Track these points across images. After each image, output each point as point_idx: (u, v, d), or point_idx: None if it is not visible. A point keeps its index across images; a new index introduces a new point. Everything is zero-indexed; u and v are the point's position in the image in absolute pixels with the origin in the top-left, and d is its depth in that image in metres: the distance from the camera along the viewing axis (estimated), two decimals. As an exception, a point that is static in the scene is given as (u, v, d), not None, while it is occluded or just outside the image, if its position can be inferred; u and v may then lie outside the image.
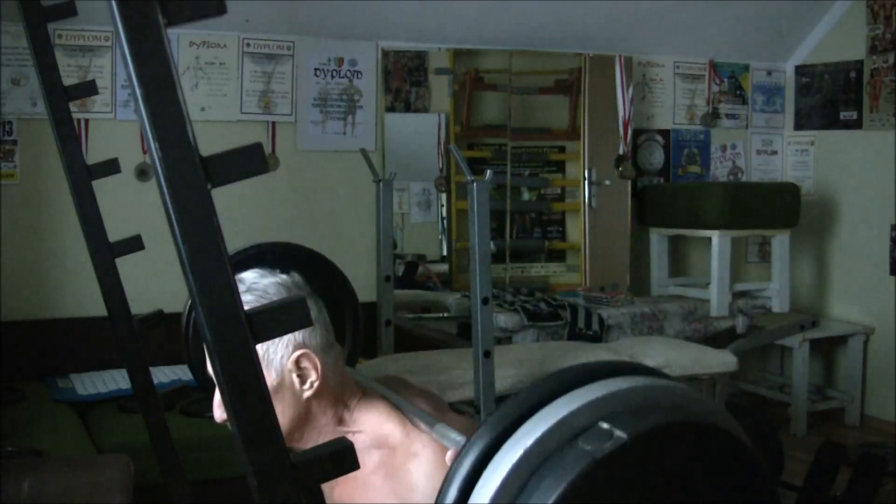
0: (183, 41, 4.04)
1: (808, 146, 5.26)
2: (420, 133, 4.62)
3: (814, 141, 5.23)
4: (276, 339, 1.41)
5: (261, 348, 1.40)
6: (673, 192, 4.89)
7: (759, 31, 5.03)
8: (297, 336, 1.42)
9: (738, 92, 5.25)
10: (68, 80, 1.67)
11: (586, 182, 4.79)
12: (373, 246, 3.87)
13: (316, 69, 4.36)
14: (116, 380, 3.61)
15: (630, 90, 4.79)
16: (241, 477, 0.86)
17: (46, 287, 3.92)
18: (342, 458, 0.88)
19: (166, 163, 0.77)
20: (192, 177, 0.78)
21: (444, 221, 4.67)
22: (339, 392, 1.48)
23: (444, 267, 4.67)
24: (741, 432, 0.97)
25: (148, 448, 1.85)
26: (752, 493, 0.97)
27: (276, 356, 1.41)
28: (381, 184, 3.81)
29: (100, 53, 3.95)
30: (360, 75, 4.45)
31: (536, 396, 0.95)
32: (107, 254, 1.71)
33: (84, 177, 1.68)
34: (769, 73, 5.30)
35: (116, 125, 3.99)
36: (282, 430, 1.40)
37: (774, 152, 5.36)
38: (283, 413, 1.42)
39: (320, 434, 1.47)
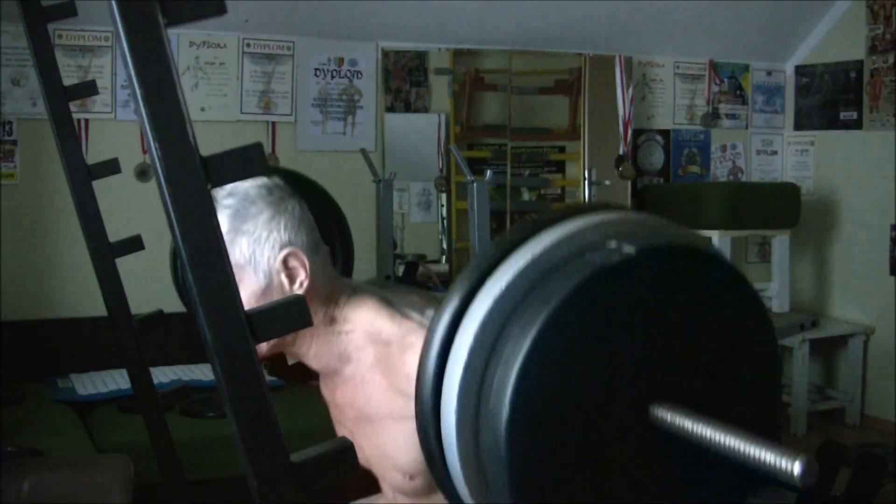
0: (183, 41, 4.04)
1: (808, 146, 5.26)
2: (420, 133, 4.62)
3: (814, 141, 5.23)
4: (262, 241, 1.39)
5: (247, 251, 1.38)
6: (673, 192, 4.90)
7: (759, 31, 5.03)
8: (283, 236, 1.39)
9: (738, 92, 5.25)
10: (68, 80, 1.67)
11: (586, 182, 4.79)
12: (373, 246, 3.87)
13: (316, 69, 4.37)
14: (116, 380, 3.61)
15: (630, 90, 4.79)
16: (241, 477, 0.86)
17: (46, 287, 3.92)
18: (342, 458, 0.88)
19: (166, 163, 0.77)
20: (192, 177, 0.78)
21: (444, 221, 4.67)
22: (329, 292, 1.45)
23: (444, 267, 4.67)
24: (741, 270, 0.98)
25: (148, 448, 1.85)
26: (751, 326, 0.97)
27: (263, 258, 1.38)
28: (381, 184, 3.82)
29: (100, 53, 3.95)
30: (360, 75, 4.45)
31: (538, 221, 0.94)
32: (107, 254, 1.71)
33: (84, 177, 1.68)
34: (769, 73, 5.31)
35: (116, 125, 3.99)
36: None
37: (774, 152, 5.36)
38: None
39: (313, 336, 1.45)
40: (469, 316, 0.91)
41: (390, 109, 4.52)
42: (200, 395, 3.39)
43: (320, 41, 4.36)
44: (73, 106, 1.70)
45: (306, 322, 0.84)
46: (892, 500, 3.58)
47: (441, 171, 4.59)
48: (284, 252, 1.39)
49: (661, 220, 0.99)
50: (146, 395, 1.79)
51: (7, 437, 2.99)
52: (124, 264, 1.73)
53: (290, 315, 0.84)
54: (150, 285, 3.43)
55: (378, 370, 1.42)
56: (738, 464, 0.87)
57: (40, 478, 2.26)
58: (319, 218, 1.50)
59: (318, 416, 3.48)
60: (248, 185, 1.42)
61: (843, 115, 5.03)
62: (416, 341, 1.37)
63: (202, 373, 3.75)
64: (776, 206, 4.73)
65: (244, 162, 0.82)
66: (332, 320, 1.45)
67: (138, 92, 0.76)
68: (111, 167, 1.73)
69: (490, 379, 0.87)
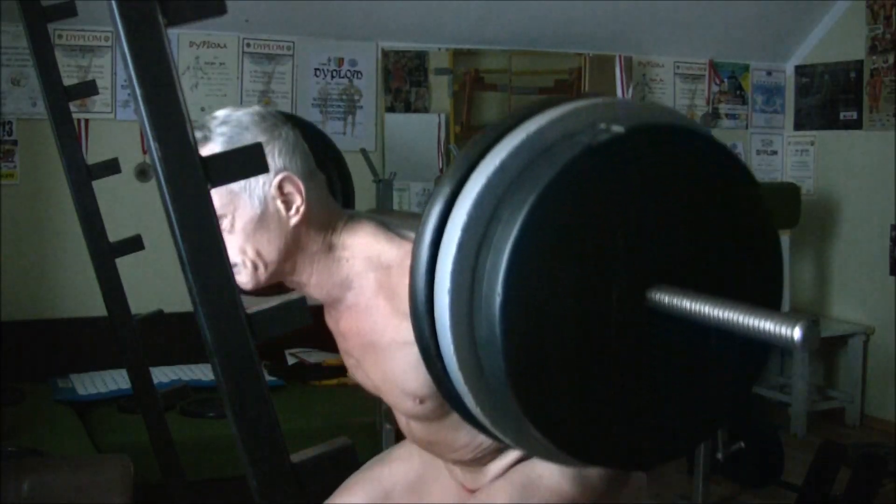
0: (183, 41, 4.04)
1: (808, 146, 5.26)
2: (420, 133, 4.62)
3: (814, 141, 5.23)
4: None
5: (241, 181, 1.35)
6: (673, 192, 4.89)
7: (759, 31, 5.03)
8: (278, 162, 1.38)
9: (738, 92, 5.25)
10: (68, 80, 1.67)
11: (586, 182, 4.79)
12: (373, 246, 3.87)
13: (316, 69, 4.37)
14: (116, 380, 3.61)
15: (630, 90, 4.79)
16: (241, 477, 0.86)
17: (46, 287, 3.92)
18: (342, 458, 0.88)
19: (166, 163, 0.77)
20: (192, 177, 0.78)
21: (444, 221, 4.67)
22: (326, 218, 1.43)
23: (444, 267, 4.67)
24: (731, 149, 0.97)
25: (148, 448, 1.85)
26: (745, 204, 0.96)
27: (258, 183, 1.37)
28: (381, 184, 3.82)
29: (100, 53, 3.95)
30: (360, 75, 4.45)
31: (531, 107, 0.93)
32: (107, 254, 1.71)
33: (84, 177, 1.68)
34: (769, 73, 5.31)
35: (116, 125, 3.99)
36: (272, 261, 1.39)
37: (774, 152, 5.36)
38: (271, 243, 1.38)
39: (313, 262, 1.42)
40: (462, 199, 0.90)
41: (390, 109, 4.52)
42: (200, 395, 3.39)
43: (320, 41, 4.36)
44: (73, 106, 1.70)
45: (306, 321, 0.84)
46: (892, 500, 3.58)
47: (441, 171, 4.59)
48: (280, 177, 1.37)
49: (656, 105, 0.98)
50: (146, 395, 1.79)
51: (7, 437, 2.99)
52: (124, 264, 1.73)
53: (290, 315, 0.84)
54: (150, 285, 3.43)
55: (381, 295, 1.40)
56: (737, 345, 0.86)
57: (40, 478, 2.26)
58: (316, 155, 1.49)
59: (318, 416, 3.49)
60: (240, 113, 1.41)
61: (843, 115, 5.02)
62: None
63: (202, 373, 3.75)
64: (776, 206, 4.73)
65: (244, 162, 0.82)
66: (330, 247, 1.43)
67: (138, 92, 0.76)
68: (111, 167, 1.73)
69: (483, 263, 0.86)
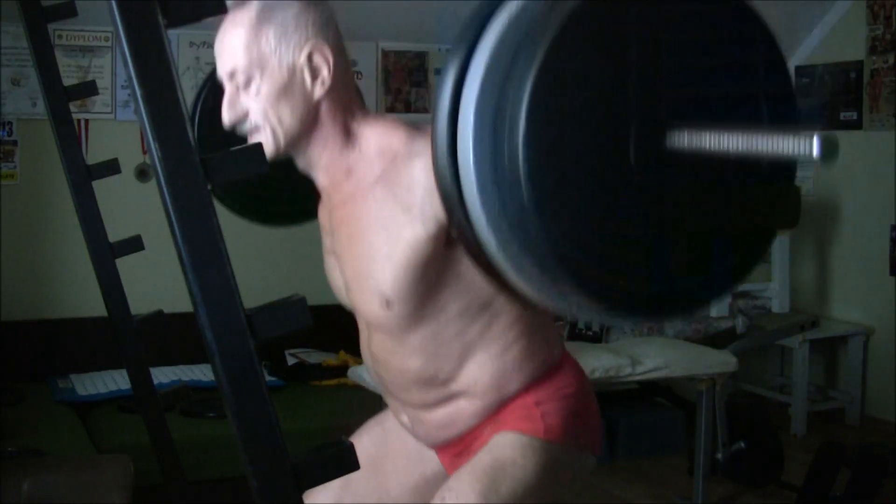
0: (183, 41, 4.04)
1: (808, 146, 5.25)
2: (420, 133, 4.62)
3: (814, 141, 5.22)
4: (289, 33, 1.38)
5: (273, 41, 1.37)
6: (673, 192, 4.89)
7: (759, 31, 5.02)
8: (310, 31, 1.38)
9: (738, 92, 5.24)
10: (68, 80, 1.67)
11: (586, 182, 4.79)
12: (373, 246, 3.87)
13: (316, 69, 4.37)
14: (116, 380, 3.61)
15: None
16: (241, 477, 0.86)
17: (46, 287, 3.92)
18: (342, 458, 0.88)
19: (166, 163, 0.77)
20: (192, 177, 0.78)
21: (444, 221, 4.67)
22: (348, 101, 1.44)
23: (444, 267, 4.66)
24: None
25: (148, 448, 1.85)
26: (756, 42, 0.96)
27: (289, 49, 1.37)
28: (381, 184, 3.81)
29: (100, 53, 3.95)
30: (359, 76, 4.44)
31: None
32: (107, 254, 1.71)
33: (84, 177, 1.68)
34: (769, 74, 5.30)
35: (116, 125, 3.99)
36: (292, 130, 1.39)
37: (774, 152, 5.36)
38: (293, 111, 1.38)
39: (327, 142, 1.42)
40: (483, 42, 0.89)
41: (390, 110, 4.52)
42: (200, 395, 3.39)
43: (320, 41, 4.36)
44: (73, 106, 1.70)
45: (306, 322, 0.84)
46: (892, 501, 3.58)
47: (441, 171, 4.59)
48: (310, 45, 1.38)
49: None
50: (146, 395, 1.79)
51: (7, 437, 2.99)
52: (124, 264, 1.73)
53: (290, 315, 0.84)
54: (150, 285, 3.43)
55: (381, 183, 1.40)
56: (758, 183, 0.85)
57: (40, 478, 2.26)
58: None
59: (318, 416, 3.49)
60: None
61: (843, 115, 5.02)
62: (425, 150, 1.27)
63: (202, 373, 3.75)
64: (776, 206, 4.72)
65: (244, 162, 0.82)
66: (347, 131, 1.43)
67: (138, 92, 0.76)
68: (111, 167, 1.73)
69: (504, 105, 0.86)
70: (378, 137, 1.43)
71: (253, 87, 1.37)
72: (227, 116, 1.40)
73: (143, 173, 3.99)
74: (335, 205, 1.48)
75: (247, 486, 0.85)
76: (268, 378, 3.61)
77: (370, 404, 3.34)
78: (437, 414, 1.52)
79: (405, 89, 4.54)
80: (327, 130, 1.42)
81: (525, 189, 0.84)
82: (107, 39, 3.93)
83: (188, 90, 4.35)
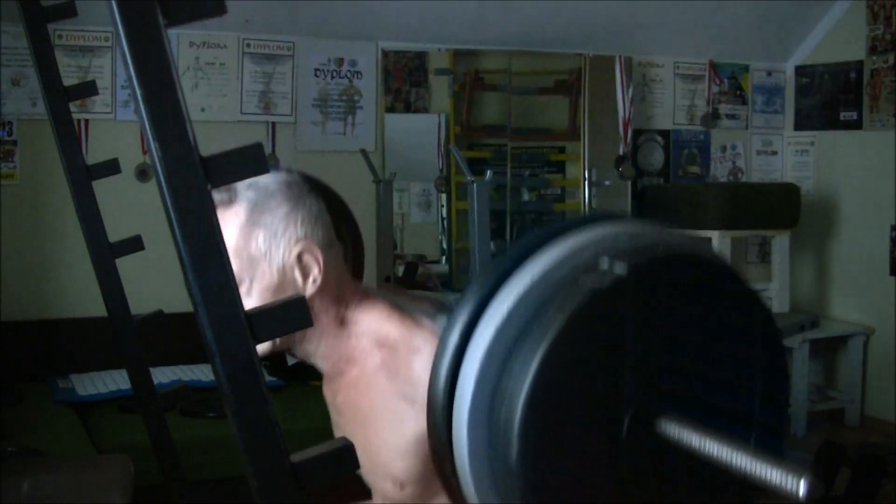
0: (183, 41, 4.04)
1: (808, 146, 5.26)
2: (420, 133, 4.62)
3: (814, 141, 5.23)
4: (279, 235, 1.39)
5: (263, 245, 1.38)
6: (673, 192, 4.90)
7: (759, 31, 5.03)
8: (299, 231, 1.40)
9: (738, 92, 5.25)
10: (68, 80, 1.67)
11: (586, 182, 4.79)
12: (373, 246, 3.88)
13: (316, 69, 4.37)
14: (116, 380, 3.61)
15: (630, 90, 4.79)
16: (241, 477, 0.86)
17: (46, 287, 3.92)
18: (342, 458, 0.88)
19: (166, 163, 0.77)
20: (192, 177, 0.78)
21: (444, 222, 4.67)
22: (340, 291, 1.45)
23: (444, 267, 4.67)
24: (742, 273, 0.98)
25: (148, 448, 1.85)
26: (753, 327, 0.97)
27: (278, 252, 1.39)
28: (381, 184, 3.82)
29: (100, 53, 3.95)
30: (360, 76, 4.45)
31: (535, 239, 0.95)
32: (107, 254, 1.71)
33: (84, 177, 1.68)
34: (769, 74, 5.31)
35: (116, 125, 3.99)
36: None
37: (774, 153, 5.36)
38: None
39: (322, 336, 1.44)
40: (471, 350, 0.92)
41: (390, 110, 4.52)
42: (200, 395, 3.40)
43: (320, 41, 4.36)
44: (73, 106, 1.70)
45: (306, 323, 0.84)
46: (892, 501, 3.58)
47: (441, 171, 4.59)
48: (299, 246, 1.39)
49: (657, 228, 1.00)
50: (146, 395, 1.79)
51: (7, 437, 2.99)
52: (124, 264, 1.73)
53: (290, 315, 0.84)
54: (150, 285, 3.43)
55: (383, 373, 1.42)
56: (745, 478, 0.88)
57: (40, 478, 2.26)
58: (333, 221, 1.51)
59: (318, 416, 3.48)
60: (268, 179, 1.42)
61: (843, 115, 5.03)
62: (424, 346, 1.37)
63: (202, 373, 3.76)
64: (776, 206, 4.73)
65: (244, 162, 0.82)
66: (341, 321, 1.45)
67: (138, 92, 0.76)
68: (111, 167, 1.73)
69: (497, 417, 0.89)
70: (374, 325, 1.45)
71: (243, 288, 1.39)
72: None
73: (143, 173, 3.99)
74: (339, 387, 1.50)
75: (247, 486, 0.84)
76: (268, 378, 3.61)
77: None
78: None
79: (405, 89, 4.54)
80: (322, 323, 1.44)
81: (516, 468, 0.87)
82: (107, 39, 3.93)
83: (188, 90, 4.34)
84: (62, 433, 3.18)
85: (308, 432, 3.27)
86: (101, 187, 1.71)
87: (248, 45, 4.21)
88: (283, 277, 1.40)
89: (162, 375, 3.62)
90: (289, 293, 1.40)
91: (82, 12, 1.70)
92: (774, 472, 0.81)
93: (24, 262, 3.86)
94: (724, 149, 5.24)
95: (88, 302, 3.66)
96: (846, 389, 4.97)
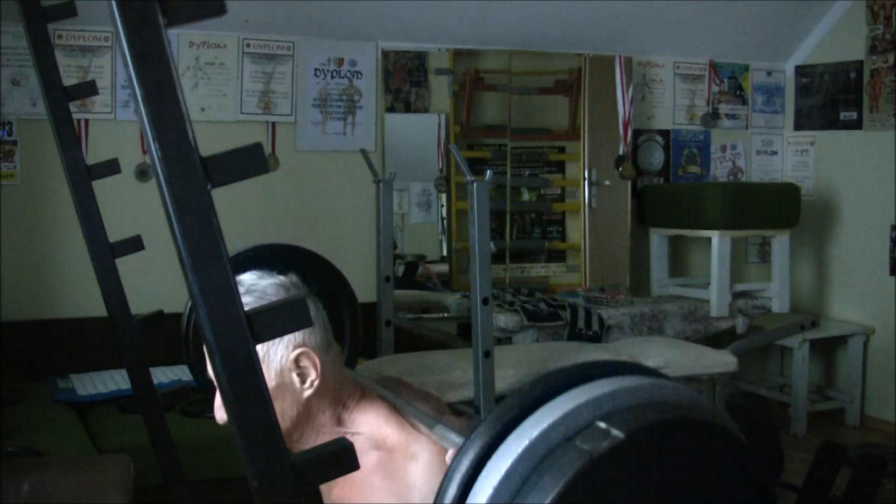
0: (183, 41, 4.04)
1: (808, 146, 5.26)
2: (420, 133, 4.62)
3: (814, 141, 5.23)
4: (276, 341, 1.42)
5: (261, 349, 1.40)
6: (673, 192, 4.90)
7: (759, 31, 5.03)
8: (297, 336, 1.42)
9: (738, 92, 5.25)
10: (68, 80, 1.67)
11: (586, 182, 4.79)
12: (373, 246, 3.87)
13: (316, 69, 4.36)
14: (116, 380, 3.61)
15: (630, 90, 4.79)
16: (241, 477, 0.86)
17: (46, 287, 3.92)
18: (342, 458, 0.88)
19: (166, 163, 0.77)
20: (192, 177, 0.78)
21: (444, 222, 4.67)
22: (338, 392, 1.48)
23: (444, 267, 4.67)
24: (738, 431, 0.99)
25: (148, 448, 1.85)
26: (749, 491, 0.98)
27: (276, 356, 1.42)
28: (381, 184, 3.82)
29: (100, 53, 3.95)
30: (360, 75, 4.45)
31: (536, 393, 0.95)
32: (107, 254, 1.71)
33: (84, 177, 1.68)
34: (769, 74, 5.31)
35: (116, 125, 3.99)
36: (283, 430, 1.41)
37: (774, 152, 5.36)
38: (284, 413, 1.42)
39: (319, 434, 1.47)
40: (494, 461, 0.92)
41: (390, 109, 4.52)
42: (200, 395, 3.39)
43: (320, 41, 4.36)
44: (73, 106, 1.70)
45: (306, 323, 0.84)
46: (892, 501, 3.58)
47: (441, 171, 4.59)
48: (297, 352, 1.42)
49: (663, 383, 1.00)
50: (146, 395, 1.79)
51: (7, 437, 2.99)
52: (124, 264, 1.73)
53: (290, 316, 0.84)
54: (150, 285, 3.43)
55: (379, 474, 1.45)
56: None
57: (40, 478, 2.26)
58: (327, 291, 1.53)
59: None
60: (265, 284, 1.46)
61: (843, 115, 5.03)
62: (421, 452, 1.41)
63: (202, 373, 3.75)
64: (776, 206, 4.73)
65: (244, 162, 0.82)
66: (339, 422, 1.48)
67: (138, 92, 0.76)
68: (111, 167, 1.73)
69: None
70: (371, 427, 1.47)
71: None
72: (219, 417, 1.44)
73: (143, 173, 3.99)
74: (335, 483, 1.50)
75: (247, 486, 0.85)
76: (268, 378, 3.60)
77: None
78: None
79: (405, 89, 4.54)
80: (319, 423, 1.47)
81: None
82: (107, 39, 3.93)
83: (188, 90, 4.34)
84: (62, 433, 3.17)
85: (308, 432, 3.24)
86: (101, 187, 1.71)
87: (248, 45, 4.21)
88: (282, 380, 1.42)
89: (162, 375, 3.62)
90: (287, 396, 1.42)
91: (82, 12, 1.70)
92: None
93: (24, 262, 3.86)
94: (724, 149, 5.24)
95: (88, 302, 3.66)
96: (846, 389, 4.97)
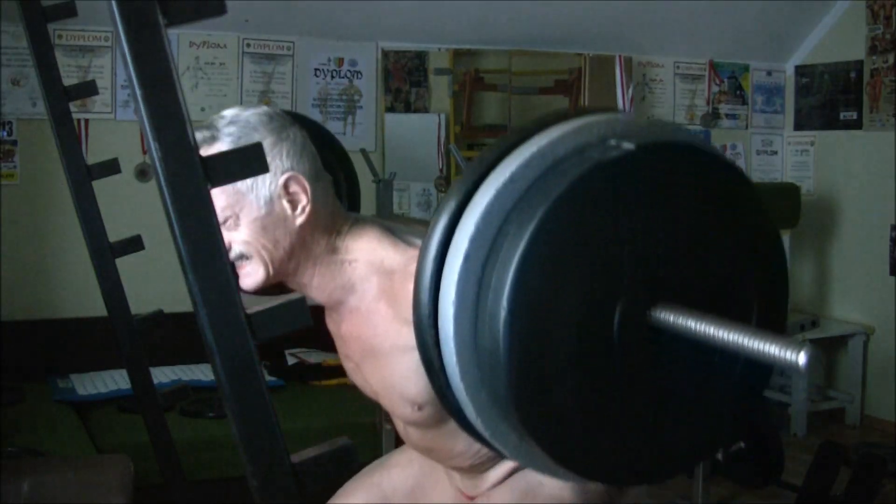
0: (183, 41, 4.04)
1: (808, 146, 5.26)
2: (420, 133, 4.62)
3: (814, 141, 5.22)
4: None
5: (248, 181, 1.37)
6: (673, 192, 4.89)
7: (759, 31, 5.03)
8: (285, 162, 1.39)
9: (738, 92, 5.25)
10: (68, 80, 1.67)
11: (586, 182, 4.79)
12: (373, 246, 3.87)
13: (316, 69, 4.37)
14: (116, 380, 3.61)
15: (630, 90, 4.79)
16: (241, 477, 0.86)
17: (46, 287, 3.92)
18: (342, 458, 0.88)
19: (166, 163, 0.77)
20: (192, 177, 0.78)
21: (444, 221, 4.67)
22: (331, 221, 1.44)
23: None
24: (747, 175, 0.97)
25: (148, 448, 1.85)
26: (752, 222, 0.96)
27: (265, 184, 1.37)
28: (380, 184, 3.81)
29: (100, 53, 3.95)
30: (360, 75, 4.45)
31: (550, 119, 0.93)
32: (107, 254, 1.71)
33: (84, 177, 1.68)
34: (769, 74, 5.30)
35: (116, 125, 3.99)
36: (276, 261, 1.40)
37: (774, 152, 5.36)
38: (277, 243, 1.38)
39: (316, 264, 1.43)
40: (470, 210, 0.89)
41: (390, 109, 4.52)
42: (200, 395, 3.39)
43: (320, 41, 4.36)
44: (73, 106, 1.70)
45: (306, 322, 0.84)
46: (892, 500, 3.58)
47: (441, 171, 4.59)
48: (286, 177, 1.38)
49: (662, 122, 1.00)
50: (146, 395, 1.79)
51: (7, 437, 2.99)
52: (124, 264, 1.73)
53: (290, 315, 0.84)
54: (150, 285, 3.43)
55: (383, 300, 1.40)
56: (741, 362, 0.85)
57: (40, 478, 2.26)
58: (323, 156, 1.49)
59: (318, 416, 3.49)
60: (249, 113, 1.43)
61: (843, 115, 5.02)
62: None
63: (202, 373, 3.75)
64: (776, 206, 4.72)
65: (244, 162, 0.82)
66: (334, 250, 1.43)
67: (138, 92, 0.76)
68: (111, 167, 1.73)
69: (489, 275, 0.86)
70: (367, 253, 1.43)
71: (231, 223, 1.38)
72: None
73: (143, 173, 3.99)
74: (341, 317, 1.48)
75: (247, 486, 0.85)
76: (268, 378, 3.61)
77: (370, 405, 3.34)
78: (490, 474, 1.55)
79: (405, 89, 4.54)
80: (314, 254, 1.43)
81: (505, 368, 0.85)
82: (107, 39, 3.93)
83: (188, 90, 4.34)
84: (62, 433, 3.17)
85: (308, 432, 3.29)
86: (101, 187, 1.71)
87: (248, 45, 4.21)
88: (272, 209, 1.38)
89: (162, 375, 3.62)
90: (279, 226, 1.38)
91: (82, 12, 1.70)
92: (773, 346, 0.80)
93: (24, 262, 3.86)
94: (724, 148, 5.24)
95: (88, 302, 3.65)
96: (846, 389, 4.96)
